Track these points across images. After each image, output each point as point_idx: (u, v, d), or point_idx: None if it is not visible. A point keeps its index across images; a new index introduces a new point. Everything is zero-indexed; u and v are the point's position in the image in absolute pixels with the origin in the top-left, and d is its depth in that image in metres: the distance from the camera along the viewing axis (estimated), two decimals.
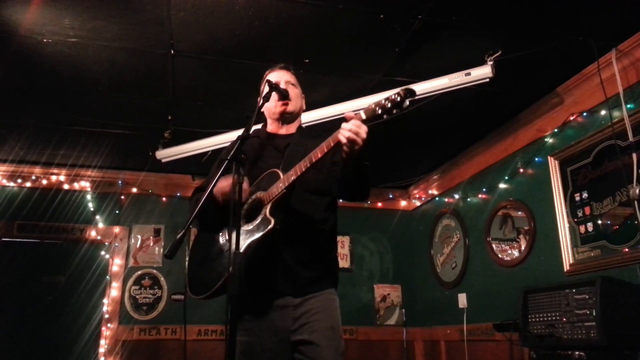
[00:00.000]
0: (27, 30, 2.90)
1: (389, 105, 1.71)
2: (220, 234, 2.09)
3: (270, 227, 1.90)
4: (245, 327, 2.01)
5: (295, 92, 2.25)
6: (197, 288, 2.08)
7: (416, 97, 3.32)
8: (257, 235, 1.91)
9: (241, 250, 1.79)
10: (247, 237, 1.93)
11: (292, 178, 1.92)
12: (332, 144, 1.82)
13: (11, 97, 3.69)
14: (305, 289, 2.03)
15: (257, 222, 1.95)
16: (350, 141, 1.74)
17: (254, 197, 2.03)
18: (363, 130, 1.74)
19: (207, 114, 3.94)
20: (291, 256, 2.02)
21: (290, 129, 2.27)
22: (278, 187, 1.95)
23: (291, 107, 2.21)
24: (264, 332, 1.99)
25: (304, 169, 1.89)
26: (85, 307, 5.59)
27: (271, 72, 2.30)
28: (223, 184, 1.96)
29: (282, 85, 2.19)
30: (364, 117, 1.75)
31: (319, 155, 1.85)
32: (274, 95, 2.16)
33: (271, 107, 2.23)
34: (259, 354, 1.98)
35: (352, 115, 1.78)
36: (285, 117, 2.24)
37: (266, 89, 2.09)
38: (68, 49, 3.10)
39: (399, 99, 1.70)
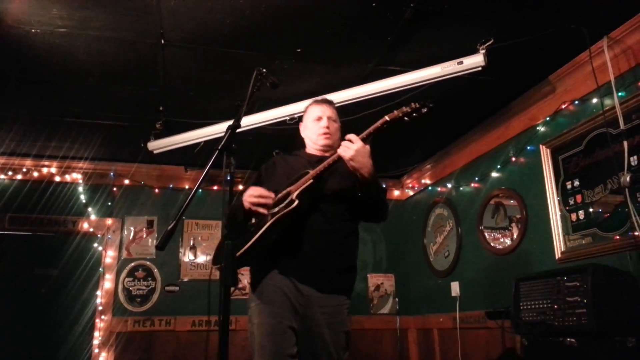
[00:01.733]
0: (15, 20, 2.86)
1: (409, 110, 2.12)
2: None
3: (294, 205, 2.16)
4: (266, 310, 2.19)
5: (334, 127, 2.53)
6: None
7: (409, 86, 3.36)
8: (282, 212, 2.18)
9: (265, 227, 2.18)
10: (272, 216, 2.21)
11: (320, 170, 2.21)
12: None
13: (0, 89, 3.65)
14: (320, 281, 2.23)
15: (283, 204, 2.19)
16: (343, 148, 2.14)
17: (285, 190, 2.27)
18: (354, 144, 2.12)
19: (199, 104, 3.92)
20: (311, 246, 2.24)
21: (326, 153, 2.49)
22: (306, 179, 2.23)
23: (330, 141, 2.47)
24: (282, 315, 2.17)
25: (331, 162, 2.20)
26: (79, 300, 5.59)
27: (314, 105, 2.60)
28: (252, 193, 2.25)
29: (324, 122, 2.47)
30: (387, 118, 2.15)
31: (336, 157, 2.20)
32: (315, 125, 2.49)
33: (312, 137, 2.52)
34: (281, 334, 2.14)
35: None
36: (324, 149, 2.50)
37: (308, 114, 2.56)
38: (57, 40, 3.06)
39: (418, 106, 2.12)
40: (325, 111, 2.52)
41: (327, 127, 2.47)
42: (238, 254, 2.17)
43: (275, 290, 2.22)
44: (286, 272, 2.25)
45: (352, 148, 2.11)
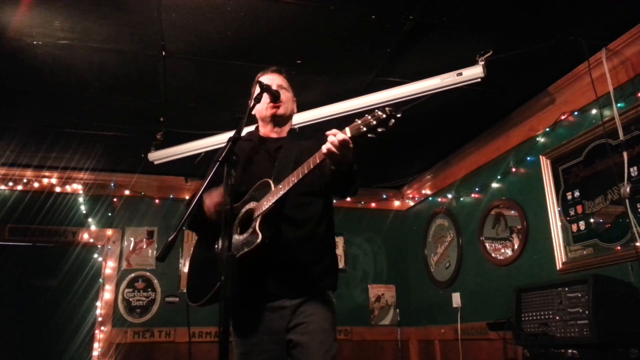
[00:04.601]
0: (17, 32, 2.88)
1: (374, 123, 1.68)
2: (216, 241, 2.10)
3: (258, 241, 1.90)
4: (242, 331, 2.03)
5: (286, 96, 2.26)
6: (193, 295, 2.11)
7: (409, 97, 3.35)
8: (246, 249, 1.92)
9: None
10: (238, 249, 1.93)
11: (281, 192, 1.93)
12: (318, 161, 1.82)
13: (1, 100, 3.66)
14: (302, 291, 2.03)
15: (247, 235, 1.96)
16: (330, 153, 1.75)
17: (246, 207, 2.04)
18: (343, 144, 1.73)
19: (200, 116, 3.93)
20: (286, 261, 2.03)
21: (282, 132, 2.29)
22: (268, 201, 1.96)
23: (282, 110, 2.23)
24: (262, 334, 2.01)
25: (291, 184, 1.91)
26: (78, 311, 5.58)
27: (263, 75, 2.31)
28: (214, 199, 1.96)
29: (274, 88, 2.18)
30: (349, 134, 1.73)
31: (306, 171, 1.86)
32: (265, 97, 2.16)
33: (262, 109, 2.23)
34: (258, 356, 1.99)
35: (335, 131, 1.76)
36: (276, 120, 2.26)
37: (257, 90, 2.10)
38: (59, 51, 3.08)
39: (384, 116, 1.66)
40: (275, 79, 2.26)
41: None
42: (201, 302, 2.02)
43: (255, 323, 2.03)
44: (268, 295, 2.04)
45: (344, 147, 1.74)
